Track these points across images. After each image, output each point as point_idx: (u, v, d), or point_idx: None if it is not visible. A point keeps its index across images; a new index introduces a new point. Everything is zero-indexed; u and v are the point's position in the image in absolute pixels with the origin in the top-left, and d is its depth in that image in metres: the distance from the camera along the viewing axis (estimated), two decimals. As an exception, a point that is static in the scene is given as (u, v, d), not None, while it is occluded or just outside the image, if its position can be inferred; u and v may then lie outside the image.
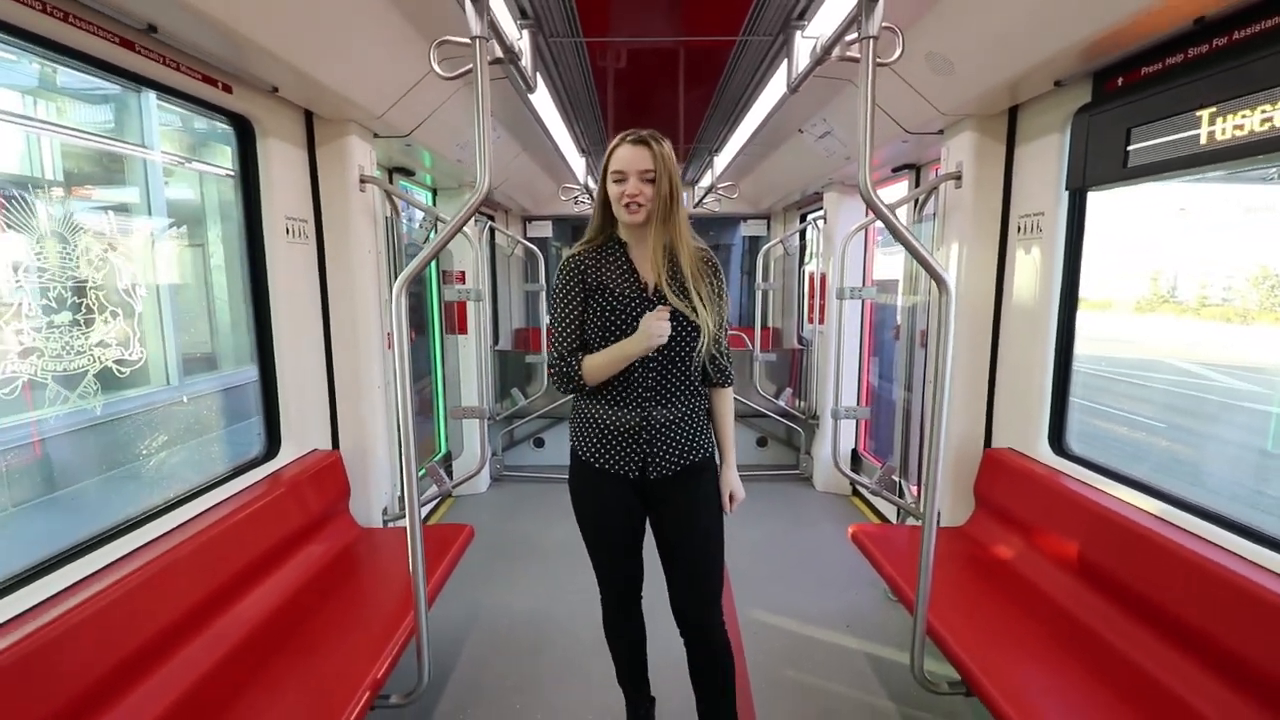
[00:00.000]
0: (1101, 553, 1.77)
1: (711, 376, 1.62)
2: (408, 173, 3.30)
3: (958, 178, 2.35)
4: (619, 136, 1.48)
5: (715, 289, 1.55)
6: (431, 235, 2.95)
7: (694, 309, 1.48)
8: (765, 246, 4.50)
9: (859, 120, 1.37)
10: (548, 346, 1.37)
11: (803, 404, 4.43)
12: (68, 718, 1.24)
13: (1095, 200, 2.02)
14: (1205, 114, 1.47)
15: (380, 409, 2.58)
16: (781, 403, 4.38)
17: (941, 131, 2.49)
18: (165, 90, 1.71)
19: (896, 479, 2.93)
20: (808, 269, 4.62)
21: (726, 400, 1.68)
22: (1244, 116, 1.40)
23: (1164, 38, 1.56)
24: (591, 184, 4.70)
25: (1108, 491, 1.87)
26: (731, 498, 1.66)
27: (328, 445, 2.45)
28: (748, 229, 5.49)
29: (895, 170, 3.27)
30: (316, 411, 2.40)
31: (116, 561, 1.50)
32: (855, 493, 3.91)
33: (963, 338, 2.39)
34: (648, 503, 1.62)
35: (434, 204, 3.88)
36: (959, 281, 2.37)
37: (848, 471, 2.95)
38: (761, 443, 4.61)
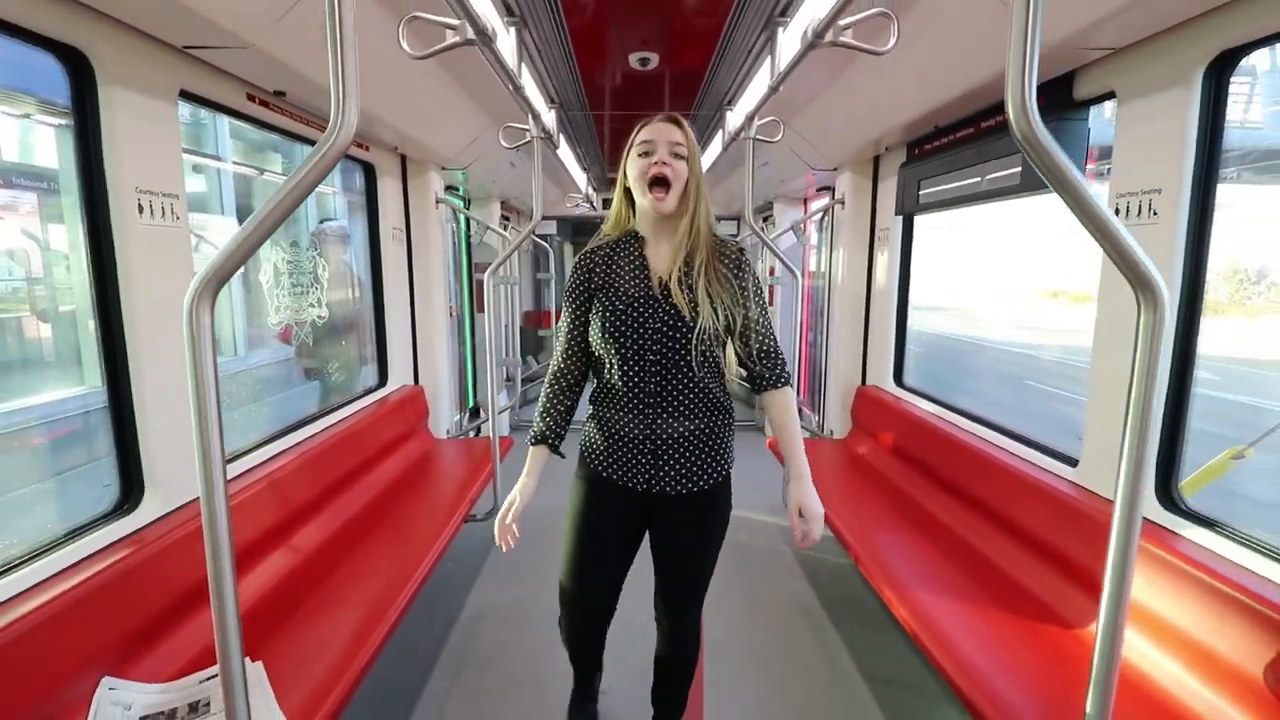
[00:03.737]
0: (910, 440, 2.88)
1: (753, 380, 1.45)
2: (451, 188, 4.38)
3: (842, 203, 3.46)
4: (643, 121, 1.41)
5: (739, 284, 1.40)
6: (464, 235, 4.02)
7: (695, 306, 1.34)
8: None
9: (746, 177, 2.47)
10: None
11: (758, 370, 5.55)
12: (277, 533, 1.97)
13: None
14: (945, 177, 2.58)
15: (444, 359, 3.67)
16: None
17: (836, 169, 3.59)
18: (336, 153, 2.78)
19: (803, 410, 4.07)
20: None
21: (779, 404, 1.44)
22: (959, 181, 2.50)
23: (925, 132, 2.66)
24: (591, 192, 5.79)
25: (919, 405, 2.99)
26: (804, 519, 1.37)
27: (411, 382, 3.54)
28: (720, 229, 6.60)
29: (819, 190, 4.38)
30: (406, 358, 3.48)
31: (288, 450, 2.22)
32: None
33: (847, 311, 3.51)
34: (649, 518, 1.49)
35: (467, 208, 4.97)
36: (843, 273, 3.48)
37: None
38: None
